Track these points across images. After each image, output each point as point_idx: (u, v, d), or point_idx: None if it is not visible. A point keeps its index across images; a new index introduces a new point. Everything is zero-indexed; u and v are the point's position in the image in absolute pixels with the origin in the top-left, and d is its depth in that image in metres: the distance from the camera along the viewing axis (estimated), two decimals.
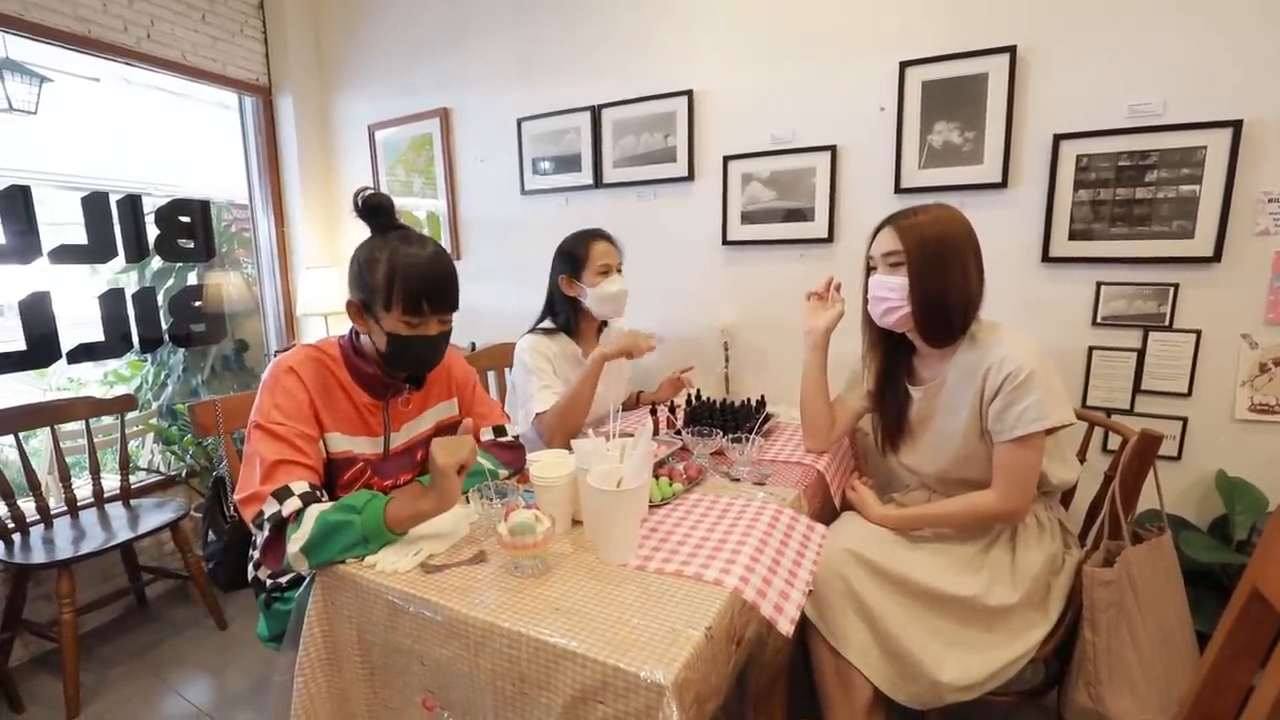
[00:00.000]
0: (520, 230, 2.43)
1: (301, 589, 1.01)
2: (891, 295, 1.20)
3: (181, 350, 2.71)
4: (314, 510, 0.99)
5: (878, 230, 1.25)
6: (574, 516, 1.10)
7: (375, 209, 1.11)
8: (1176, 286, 1.52)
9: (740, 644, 0.91)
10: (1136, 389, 1.59)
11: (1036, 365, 1.11)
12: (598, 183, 2.21)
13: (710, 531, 1.06)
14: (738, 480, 1.33)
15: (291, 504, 0.98)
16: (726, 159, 1.99)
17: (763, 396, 1.72)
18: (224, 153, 2.82)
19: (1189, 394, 1.54)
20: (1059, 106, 1.57)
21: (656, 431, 1.56)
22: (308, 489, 1.01)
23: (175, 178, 2.77)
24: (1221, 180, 1.44)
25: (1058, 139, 1.57)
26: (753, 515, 1.12)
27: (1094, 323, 1.61)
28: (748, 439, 1.36)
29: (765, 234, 1.98)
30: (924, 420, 1.31)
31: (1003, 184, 1.64)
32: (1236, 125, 1.41)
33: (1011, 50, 1.58)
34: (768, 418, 1.64)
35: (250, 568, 1.24)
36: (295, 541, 0.96)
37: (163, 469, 2.49)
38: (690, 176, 2.06)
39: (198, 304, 2.59)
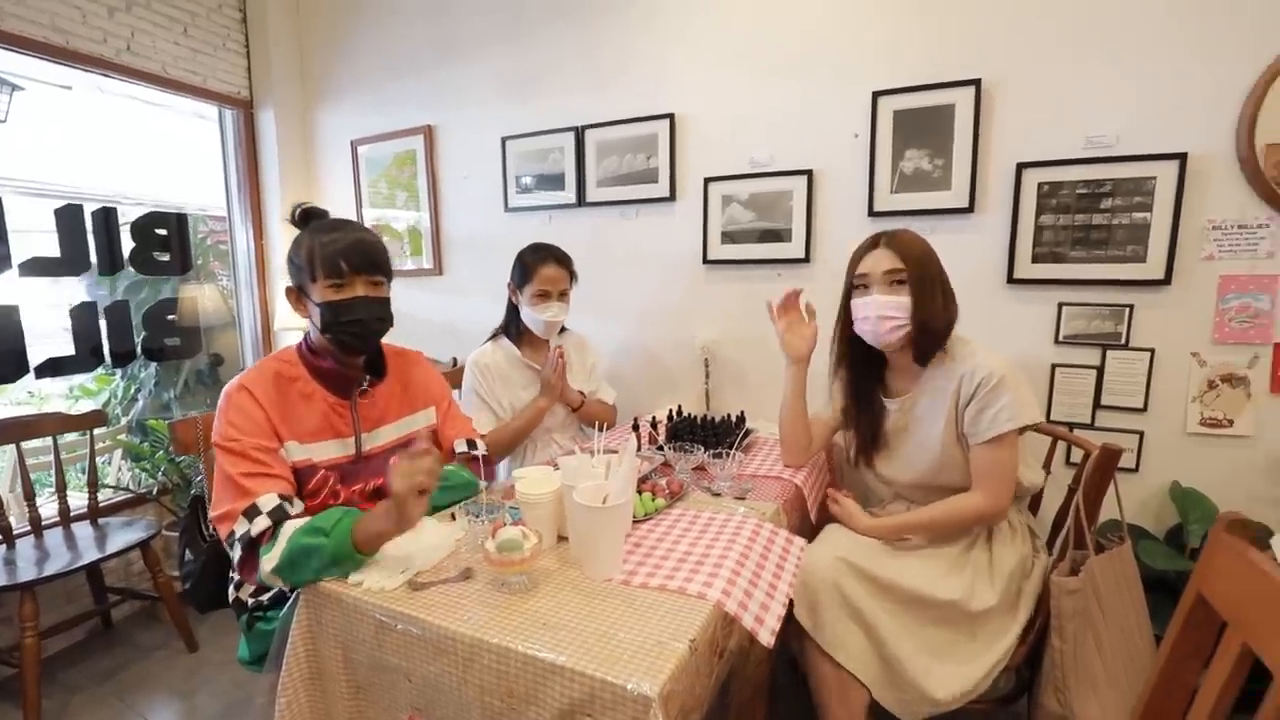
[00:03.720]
0: (503, 247, 2.42)
1: (286, 608, 1.01)
2: (897, 314, 1.23)
3: (154, 364, 2.67)
4: (287, 530, 1.00)
5: (866, 250, 1.28)
6: (559, 532, 1.11)
7: (308, 216, 1.21)
8: (1132, 307, 1.60)
9: (723, 656, 0.93)
10: (1097, 404, 1.66)
11: (1006, 371, 1.20)
12: (581, 201, 2.25)
13: (693, 546, 1.08)
14: (719, 495, 1.36)
15: (260, 522, 1.01)
16: (707, 181, 2.04)
17: (742, 412, 1.76)
18: (200, 163, 2.80)
19: (1145, 409, 1.62)
20: (1021, 136, 1.66)
21: (640, 447, 1.59)
22: (276, 502, 1.03)
23: (149, 188, 2.74)
24: (1170, 208, 1.53)
25: (1020, 167, 1.65)
26: (734, 530, 1.15)
27: (1056, 341, 1.69)
28: (728, 454, 1.39)
29: (744, 254, 2.03)
30: (900, 431, 1.35)
31: (970, 209, 1.71)
32: (1182, 157, 1.50)
33: (976, 83, 1.66)
34: (747, 433, 1.68)
35: (231, 589, 1.23)
36: (268, 562, 0.99)
37: (131, 486, 2.43)
38: (672, 197, 2.11)
39: (172, 318, 2.55)
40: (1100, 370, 1.65)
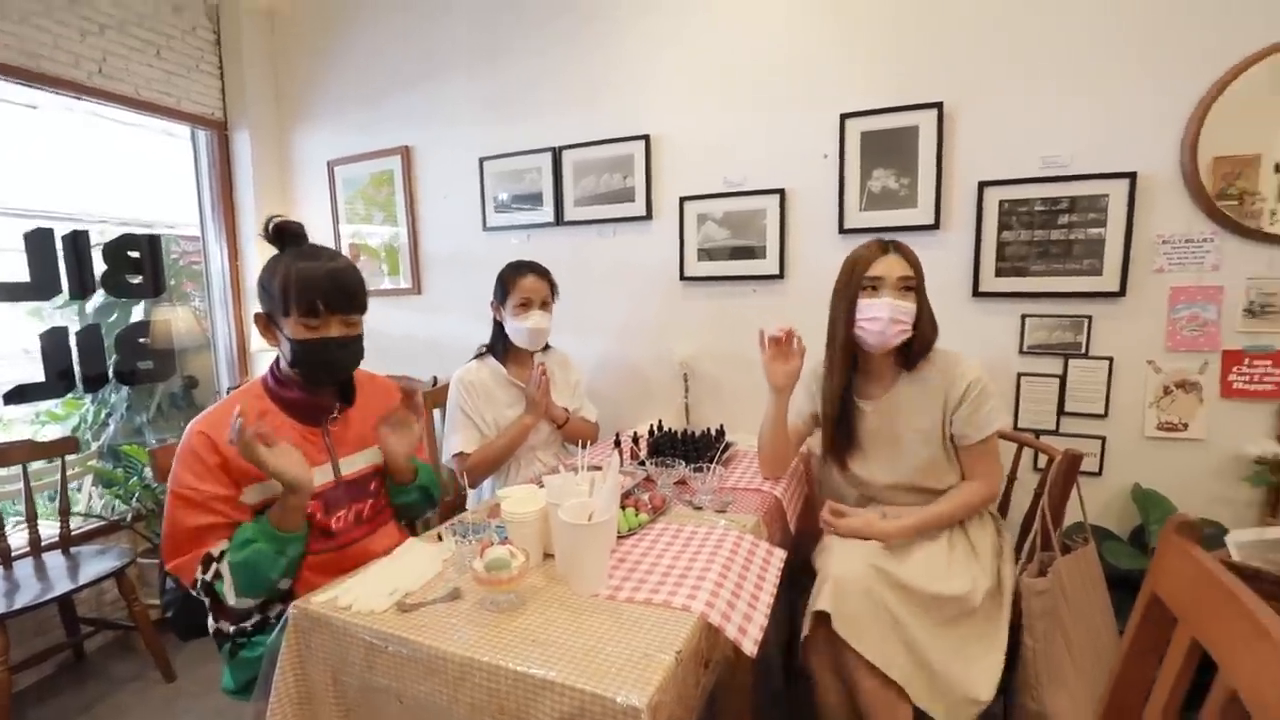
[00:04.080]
0: (482, 265, 2.45)
1: (275, 633, 1.01)
2: (906, 318, 1.31)
3: (126, 388, 2.62)
4: (224, 566, 1.05)
5: (875, 254, 1.33)
6: (545, 550, 1.13)
7: (282, 232, 1.16)
8: (1090, 318, 1.68)
9: (709, 666, 0.96)
10: (1061, 411, 1.73)
11: (987, 377, 1.33)
12: (559, 220, 2.28)
13: (676, 559, 1.11)
14: (700, 509, 1.39)
15: (212, 570, 1.05)
16: (683, 200, 2.09)
17: (722, 426, 1.80)
18: (172, 181, 2.77)
19: (1106, 415, 1.69)
20: (982, 156, 1.74)
21: (622, 463, 1.61)
22: (225, 549, 1.07)
23: (119, 207, 2.70)
24: (1123, 224, 1.61)
25: (982, 185, 1.73)
26: (715, 542, 1.18)
27: (1021, 351, 1.76)
28: (709, 468, 1.42)
29: (720, 270, 2.08)
30: (876, 433, 1.40)
31: (935, 225, 1.78)
32: (1132, 176, 1.59)
33: (939, 106, 1.74)
34: (727, 446, 1.71)
35: (210, 619, 1.22)
36: (230, 594, 1.04)
37: (102, 513, 2.38)
38: (649, 215, 2.15)
39: (145, 340, 2.51)
40: (1063, 378, 1.72)
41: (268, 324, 1.17)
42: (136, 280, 2.47)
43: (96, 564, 1.91)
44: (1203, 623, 0.66)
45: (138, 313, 2.59)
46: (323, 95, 2.70)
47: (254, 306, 2.73)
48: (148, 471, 2.30)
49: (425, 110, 2.49)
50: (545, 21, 2.23)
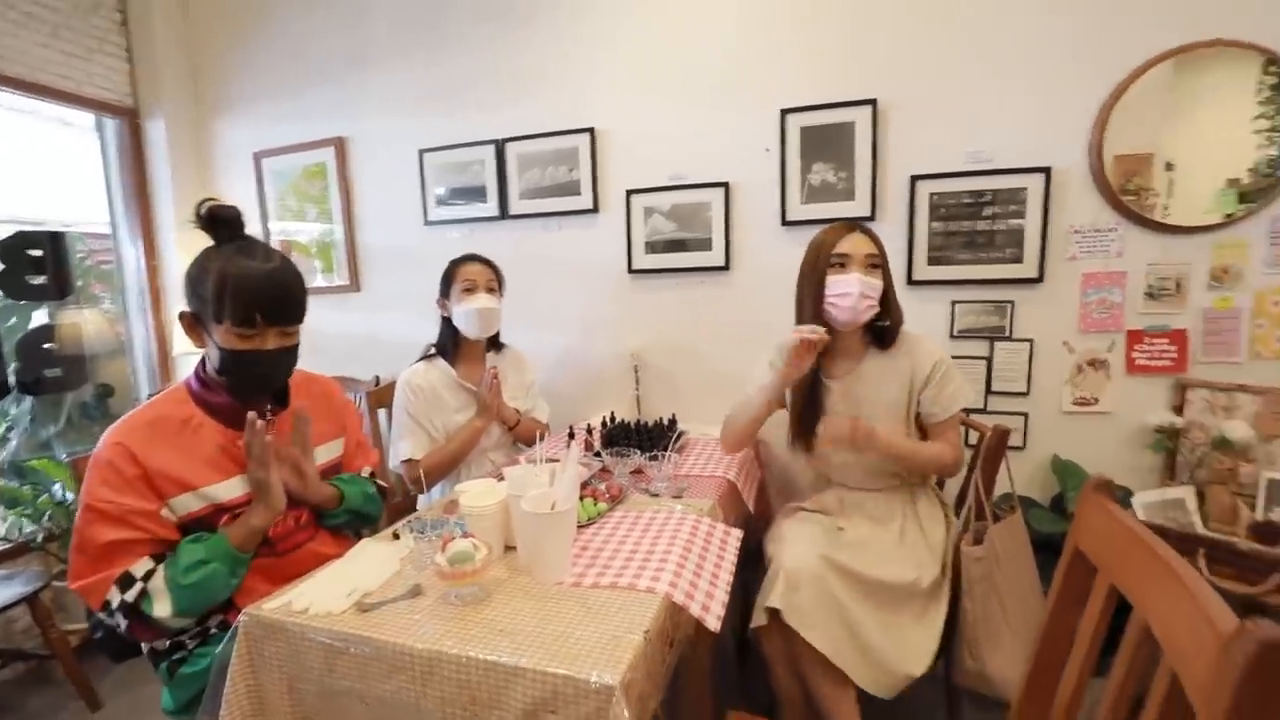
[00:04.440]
0: (423, 261, 2.38)
1: (223, 643, 0.96)
2: (874, 294, 1.36)
3: (29, 398, 2.41)
4: (159, 582, 0.99)
5: (841, 233, 1.38)
6: (506, 543, 1.13)
7: (216, 219, 1.05)
8: (1013, 303, 1.80)
9: (673, 645, 0.98)
10: (988, 390, 1.86)
11: (949, 358, 1.40)
12: (504, 214, 2.25)
13: (638, 545, 1.13)
14: (657, 495, 1.41)
15: (135, 590, 0.98)
16: (629, 193, 2.10)
17: (674, 415, 1.83)
18: (71, 176, 2.57)
19: (1028, 393, 1.82)
20: (914, 151, 1.83)
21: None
22: (150, 566, 1.00)
23: (10, 204, 2.48)
24: (1040, 215, 1.74)
25: (914, 179, 1.82)
26: (674, 526, 1.20)
27: (951, 335, 1.87)
28: (664, 456, 1.45)
29: (668, 263, 2.11)
30: (841, 412, 1.44)
31: (872, 217, 1.87)
32: (1047, 171, 1.72)
33: (873, 103, 1.82)
34: (680, 435, 1.74)
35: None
36: (162, 613, 0.98)
37: (7, 535, 2.19)
38: (595, 209, 2.16)
39: (51, 346, 2.32)
40: (990, 360, 1.84)
41: (194, 324, 1.08)
42: (38, 281, 2.27)
43: (4, 590, 1.76)
44: (1119, 570, 0.73)
45: (40, 316, 2.38)
46: (246, 82, 2.56)
47: (175, 308, 2.58)
48: (58, 488, 2.14)
49: (360, 101, 2.40)
50: (485, 13, 2.19)
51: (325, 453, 1.28)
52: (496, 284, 1.77)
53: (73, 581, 0.98)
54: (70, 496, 2.09)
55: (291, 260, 1.12)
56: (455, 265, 1.74)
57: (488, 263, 1.77)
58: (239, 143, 2.61)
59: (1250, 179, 1.59)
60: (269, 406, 1.18)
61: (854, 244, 1.37)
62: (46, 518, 2.11)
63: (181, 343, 2.44)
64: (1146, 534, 0.70)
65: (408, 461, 1.67)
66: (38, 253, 2.26)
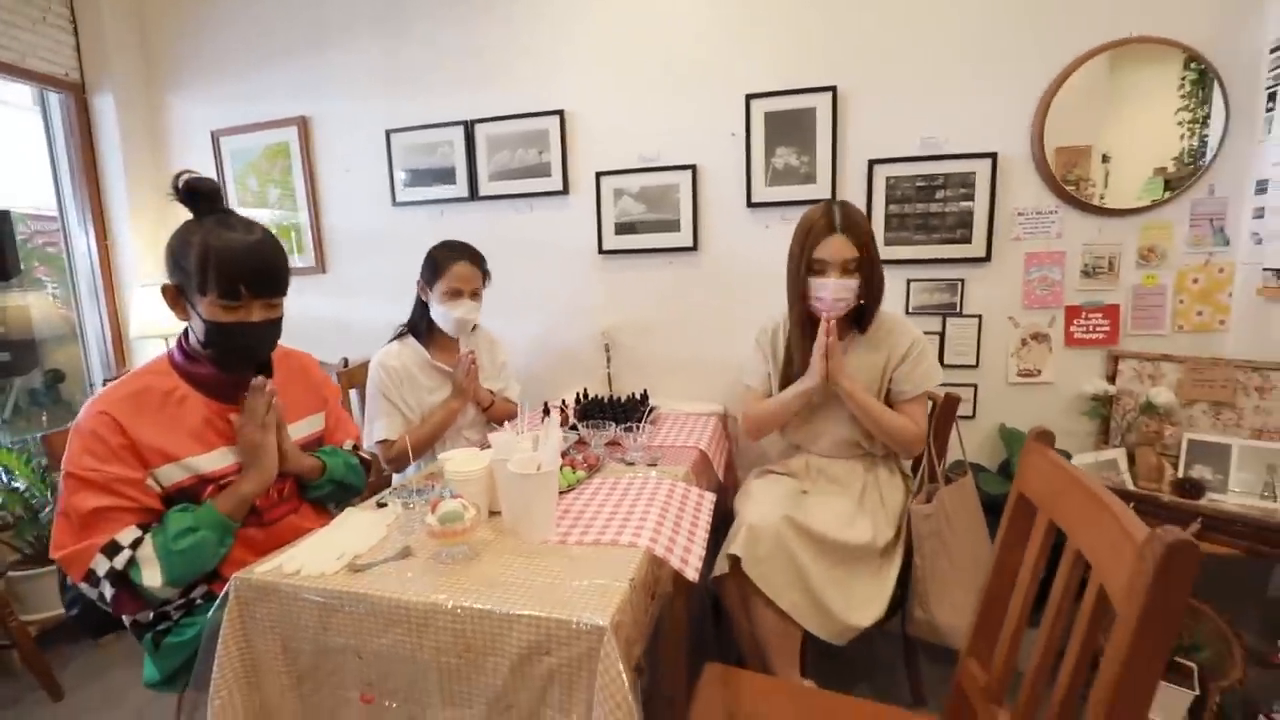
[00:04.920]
0: (392, 242, 2.39)
1: (213, 609, 0.98)
2: (848, 295, 1.43)
3: None
4: (148, 550, 0.99)
5: (823, 233, 1.43)
6: (490, 508, 1.17)
7: (195, 192, 1.07)
8: (963, 281, 1.92)
9: (654, 598, 1.04)
10: (942, 364, 1.96)
11: (925, 338, 1.49)
12: (473, 195, 2.26)
13: (617, 507, 1.18)
14: (633, 464, 1.47)
15: (123, 556, 0.98)
16: (599, 175, 2.14)
17: (645, 391, 1.88)
18: (14, 156, 2.46)
19: (977, 365, 1.94)
20: (871, 136, 1.92)
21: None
22: (136, 534, 1.00)
23: None
24: (987, 198, 1.85)
25: (871, 163, 1.91)
26: (651, 490, 1.27)
27: (907, 312, 1.97)
28: (638, 427, 1.50)
29: (637, 244, 2.15)
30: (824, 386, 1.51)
31: (833, 199, 1.94)
32: (993, 156, 1.82)
33: (833, 90, 1.90)
34: (651, 409, 1.80)
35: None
36: (152, 582, 0.99)
37: None
38: (565, 191, 2.18)
39: None
40: (942, 335, 1.95)
41: (177, 297, 1.09)
42: None
43: None
44: (1056, 506, 0.82)
45: None
46: (203, 57, 2.48)
47: (128, 290, 2.50)
48: (5, 476, 2.06)
49: (323, 79, 2.36)
50: None
51: (306, 426, 1.29)
52: (482, 285, 1.78)
53: (55, 551, 0.98)
54: (22, 485, 2.02)
55: (272, 233, 1.12)
56: (445, 260, 1.71)
57: (477, 262, 1.75)
58: (195, 120, 2.53)
59: (1174, 168, 1.73)
60: (254, 379, 1.18)
61: (833, 249, 1.43)
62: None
63: (139, 326, 2.37)
64: (1078, 472, 0.80)
65: (383, 442, 1.68)
66: None
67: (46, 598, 2.01)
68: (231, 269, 1.03)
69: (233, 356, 1.11)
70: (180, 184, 1.07)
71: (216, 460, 1.11)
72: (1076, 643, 0.71)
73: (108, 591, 0.98)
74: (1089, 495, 0.74)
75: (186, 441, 1.08)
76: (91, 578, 0.97)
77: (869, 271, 1.46)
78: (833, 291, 1.43)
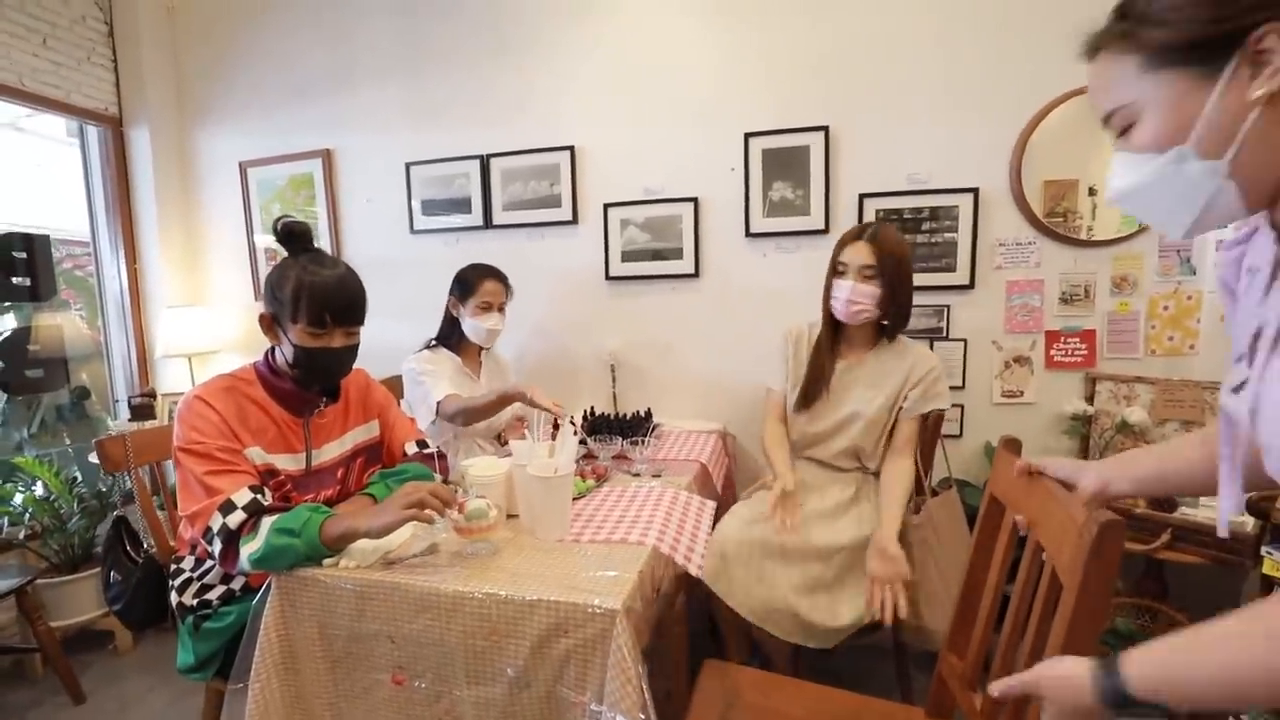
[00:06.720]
0: (409, 268, 2.52)
1: (257, 598, 1.07)
2: (864, 301, 1.52)
3: (2, 400, 2.41)
4: (266, 524, 1.06)
5: (851, 239, 1.54)
6: (509, 512, 1.26)
7: (291, 234, 1.22)
8: (949, 307, 2.04)
9: (659, 593, 1.13)
10: None
11: (943, 367, 1.57)
12: (488, 224, 2.39)
13: (625, 511, 1.28)
14: (638, 475, 1.57)
15: (237, 516, 1.06)
16: (607, 206, 2.28)
17: (649, 409, 1.99)
18: (52, 185, 2.60)
19: (963, 386, 2.05)
20: (861, 172, 2.06)
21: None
22: (250, 496, 1.08)
23: None
24: (970, 230, 1.98)
25: (862, 197, 2.05)
26: (656, 497, 1.36)
27: None
28: (643, 441, 1.61)
29: (642, 270, 2.28)
30: (843, 389, 1.61)
31: (826, 230, 2.08)
32: (975, 191, 1.96)
33: (825, 129, 2.04)
34: (655, 426, 1.90)
35: (172, 594, 1.23)
36: (251, 552, 1.05)
37: None
38: (575, 220, 2.32)
39: (33, 347, 2.34)
40: None
41: (271, 324, 1.22)
42: (23, 283, 2.30)
43: None
44: (1019, 503, 0.93)
45: (8, 320, 2.39)
46: (232, 94, 2.64)
47: (155, 314, 2.62)
48: (39, 487, 2.15)
49: (347, 115, 2.51)
50: (469, 35, 2.34)
51: (364, 433, 1.40)
52: (506, 299, 1.93)
53: (184, 509, 1.09)
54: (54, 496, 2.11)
55: (353, 269, 1.25)
56: (477, 277, 1.87)
57: (503, 280, 1.92)
58: (224, 153, 2.68)
59: None
60: (322, 399, 1.29)
61: (853, 254, 1.53)
62: (29, 515, 2.12)
63: (164, 346, 2.49)
64: (1040, 475, 0.90)
65: (445, 398, 1.72)
66: (23, 254, 2.29)
67: (71, 605, 2.09)
68: (320, 300, 1.16)
69: (314, 376, 1.23)
70: (279, 227, 1.22)
71: (283, 462, 1.22)
72: (1035, 619, 0.80)
73: (217, 547, 1.05)
74: (1046, 491, 0.84)
75: (261, 439, 1.19)
76: (208, 534, 1.05)
77: (891, 285, 1.51)
78: (848, 293, 1.53)
